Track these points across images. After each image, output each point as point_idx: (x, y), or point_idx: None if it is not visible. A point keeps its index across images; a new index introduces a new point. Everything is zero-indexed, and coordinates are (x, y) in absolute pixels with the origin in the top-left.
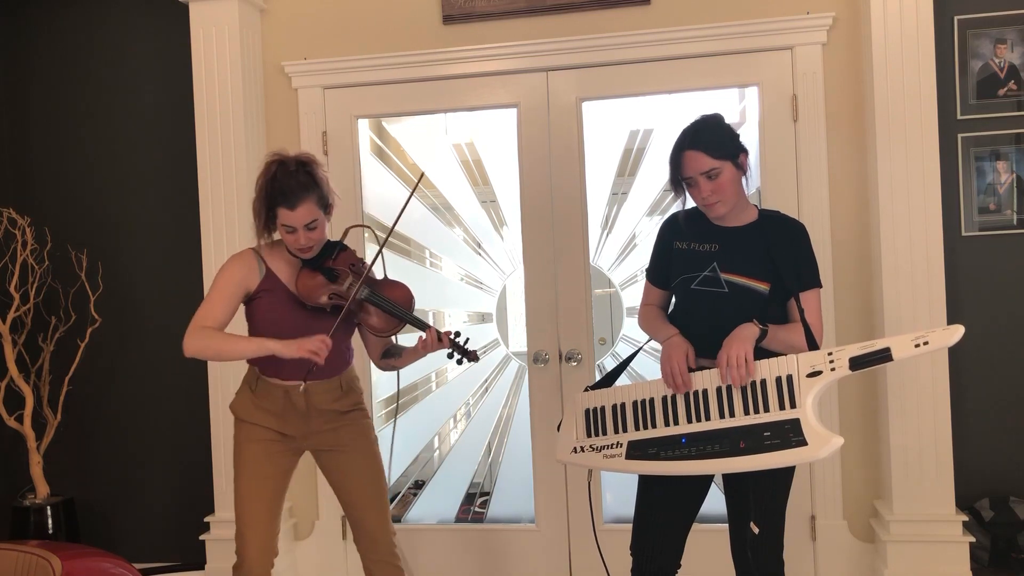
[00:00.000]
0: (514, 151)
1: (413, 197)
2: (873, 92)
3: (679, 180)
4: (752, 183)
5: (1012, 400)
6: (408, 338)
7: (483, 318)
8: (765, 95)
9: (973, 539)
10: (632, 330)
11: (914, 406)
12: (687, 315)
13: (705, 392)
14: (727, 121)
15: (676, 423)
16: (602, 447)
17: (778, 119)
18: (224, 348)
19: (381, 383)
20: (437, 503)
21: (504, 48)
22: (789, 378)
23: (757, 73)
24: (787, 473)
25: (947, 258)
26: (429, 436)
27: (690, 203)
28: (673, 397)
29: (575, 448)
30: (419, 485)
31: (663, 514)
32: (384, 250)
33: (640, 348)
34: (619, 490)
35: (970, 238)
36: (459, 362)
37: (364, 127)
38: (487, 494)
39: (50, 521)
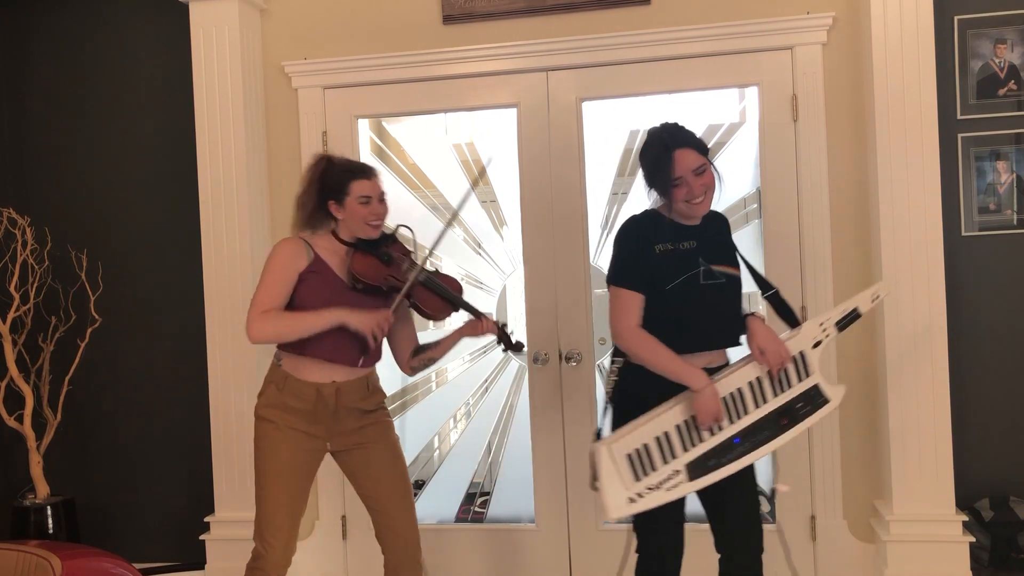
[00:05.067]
0: (514, 151)
1: (414, 198)
2: (873, 92)
3: (668, 181)
4: (752, 183)
5: (1012, 400)
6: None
7: None
8: (765, 95)
9: (973, 539)
10: None
11: (914, 406)
12: (693, 312)
13: (739, 391)
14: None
15: (720, 429)
16: (661, 483)
17: (778, 119)
18: (296, 325)
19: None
20: (437, 503)
21: (504, 48)
22: (802, 354)
23: (757, 73)
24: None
25: (947, 258)
26: (429, 436)
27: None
28: None
29: (631, 498)
30: (419, 485)
31: (667, 513)
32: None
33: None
34: None
35: (970, 238)
36: (504, 351)
37: (364, 127)
38: (487, 494)
39: (50, 521)
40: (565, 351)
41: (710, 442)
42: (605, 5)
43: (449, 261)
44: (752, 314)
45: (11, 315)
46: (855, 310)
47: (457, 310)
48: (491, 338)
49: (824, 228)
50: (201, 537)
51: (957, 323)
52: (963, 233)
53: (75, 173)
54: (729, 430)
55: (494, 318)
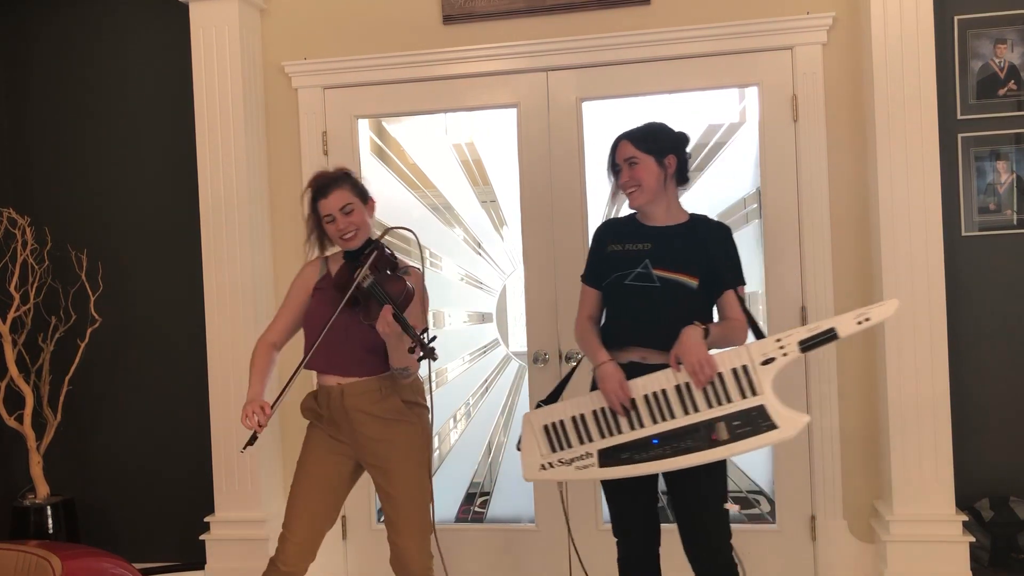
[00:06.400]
0: (514, 151)
1: (414, 198)
2: (873, 92)
3: (610, 167)
4: (752, 183)
5: (1012, 400)
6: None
7: (483, 318)
8: (765, 95)
9: (973, 539)
10: None
11: (914, 406)
12: (621, 309)
13: (664, 392)
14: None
15: (641, 426)
16: (572, 459)
17: (778, 119)
18: (250, 370)
19: None
20: (437, 503)
21: (504, 48)
22: (745, 368)
23: (757, 73)
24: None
25: (947, 258)
26: None
27: (625, 211)
28: (633, 401)
29: (543, 465)
30: None
31: (628, 493)
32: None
33: (578, 363)
34: None
35: (970, 238)
36: (420, 359)
37: (364, 127)
38: (487, 494)
39: (50, 521)
40: (565, 351)
41: (627, 435)
42: (605, 5)
43: (449, 261)
44: (695, 323)
45: (11, 315)
46: (831, 331)
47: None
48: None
49: (824, 228)
50: (201, 537)
51: (957, 323)
52: (963, 233)
53: (75, 173)
54: (650, 429)
55: (418, 328)
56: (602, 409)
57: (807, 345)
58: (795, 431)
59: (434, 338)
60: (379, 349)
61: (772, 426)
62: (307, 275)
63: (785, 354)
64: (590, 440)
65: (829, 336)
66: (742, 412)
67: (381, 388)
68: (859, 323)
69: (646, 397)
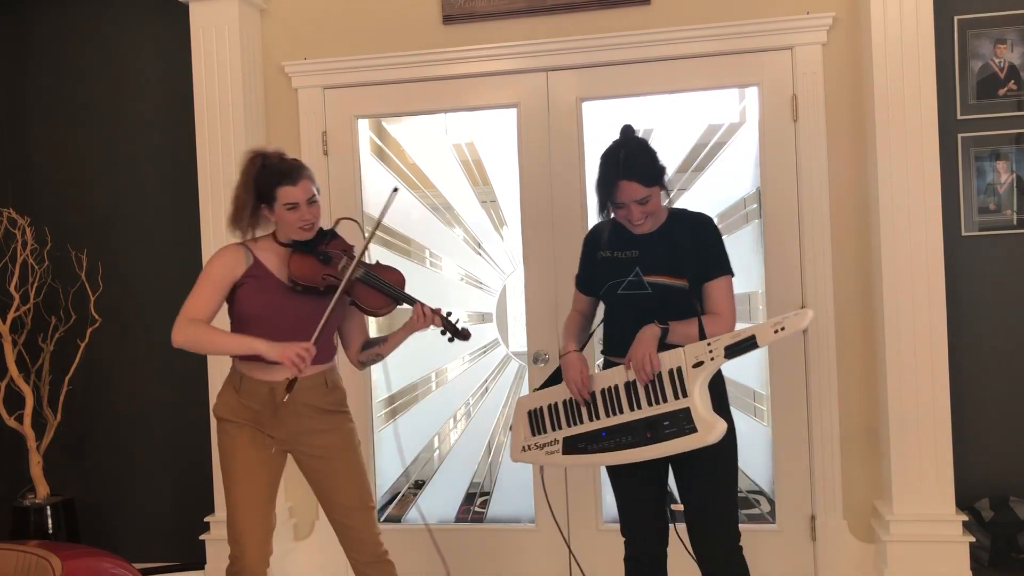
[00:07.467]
0: (514, 151)
1: (414, 198)
2: (873, 92)
3: (609, 204)
4: (752, 183)
5: (1012, 400)
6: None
7: (483, 318)
8: (765, 95)
9: (973, 539)
10: None
11: (914, 406)
12: (618, 316)
13: (616, 387)
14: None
15: (598, 418)
16: (544, 444)
17: (778, 119)
18: (213, 342)
19: (380, 383)
20: (437, 503)
21: (504, 48)
22: (679, 370)
23: (757, 73)
24: (725, 446)
25: (947, 258)
26: (429, 436)
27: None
28: (593, 394)
29: (524, 447)
30: (419, 485)
31: (637, 492)
32: (385, 250)
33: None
34: None
35: (970, 238)
36: (450, 340)
37: (364, 127)
38: (487, 494)
39: (50, 521)
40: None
41: (586, 426)
42: (605, 5)
43: (449, 261)
44: (656, 322)
45: (11, 315)
46: (752, 338)
47: (399, 303)
48: (438, 328)
49: (824, 228)
50: (201, 537)
51: (957, 323)
52: (963, 233)
53: (75, 173)
54: (604, 421)
55: (437, 307)
56: (571, 399)
57: (732, 351)
58: (713, 437)
59: (458, 319)
60: (331, 340)
61: (693, 429)
62: (231, 262)
63: (713, 358)
64: (560, 427)
65: (750, 344)
66: (671, 413)
67: (327, 381)
68: (776, 331)
69: (603, 391)
